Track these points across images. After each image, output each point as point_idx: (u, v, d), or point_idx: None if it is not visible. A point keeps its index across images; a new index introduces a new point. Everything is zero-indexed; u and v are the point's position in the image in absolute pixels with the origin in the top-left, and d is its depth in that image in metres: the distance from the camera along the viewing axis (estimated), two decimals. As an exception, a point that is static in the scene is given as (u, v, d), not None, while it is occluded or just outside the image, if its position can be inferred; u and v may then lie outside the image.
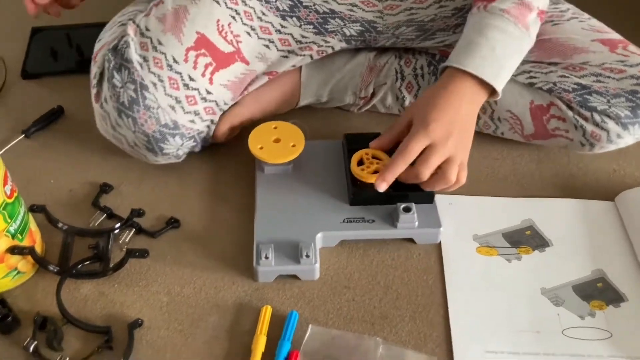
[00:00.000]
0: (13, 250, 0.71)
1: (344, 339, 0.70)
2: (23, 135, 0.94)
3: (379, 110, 0.98)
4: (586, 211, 0.85)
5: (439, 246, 0.80)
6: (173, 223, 0.82)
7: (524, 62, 0.85)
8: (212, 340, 0.71)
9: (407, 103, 0.95)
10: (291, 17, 0.85)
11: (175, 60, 0.79)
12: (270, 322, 0.72)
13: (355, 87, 0.95)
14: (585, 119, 0.82)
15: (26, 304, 0.73)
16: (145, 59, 0.78)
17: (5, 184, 0.68)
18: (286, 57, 0.87)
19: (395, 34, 0.89)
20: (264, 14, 0.84)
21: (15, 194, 0.70)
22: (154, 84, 0.78)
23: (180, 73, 0.79)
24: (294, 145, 0.82)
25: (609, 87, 0.81)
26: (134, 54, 0.78)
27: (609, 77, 0.82)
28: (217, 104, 0.83)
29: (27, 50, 1.08)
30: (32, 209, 0.81)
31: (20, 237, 0.72)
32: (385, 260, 0.79)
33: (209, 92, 0.82)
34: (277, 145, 0.82)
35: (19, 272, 0.74)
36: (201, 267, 0.78)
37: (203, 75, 0.80)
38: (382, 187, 0.76)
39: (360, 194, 0.80)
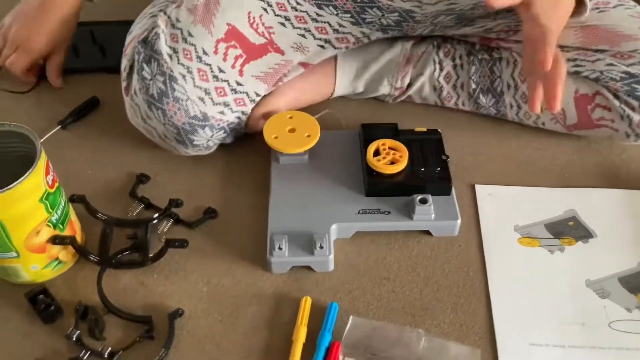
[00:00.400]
0: (55, 240, 0.72)
1: (385, 330, 0.69)
2: (59, 126, 0.94)
3: (414, 101, 0.97)
4: (630, 201, 0.83)
5: (479, 237, 0.79)
6: (210, 213, 0.82)
7: (570, 49, 0.83)
8: (251, 331, 0.71)
9: (444, 94, 0.93)
10: (327, 5, 0.83)
11: (205, 52, 0.78)
12: (310, 313, 0.71)
13: (391, 78, 0.93)
14: (633, 108, 0.80)
15: (67, 294, 0.74)
16: (175, 51, 0.78)
17: (47, 174, 0.69)
18: (323, 47, 0.86)
19: (434, 22, 0.88)
20: (298, 3, 0.83)
21: (56, 184, 0.71)
22: (183, 76, 0.78)
23: (209, 65, 0.79)
24: (309, 135, 0.81)
25: None
26: (163, 45, 0.78)
27: None
28: (248, 95, 0.83)
29: None
30: (72, 199, 0.81)
31: (61, 227, 0.73)
32: (424, 251, 0.78)
33: (239, 84, 0.81)
34: (292, 135, 0.82)
35: (60, 262, 0.74)
36: (239, 257, 0.78)
37: (233, 67, 0.80)
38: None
39: (376, 185, 0.79)
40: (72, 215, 0.75)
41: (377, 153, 0.81)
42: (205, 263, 0.77)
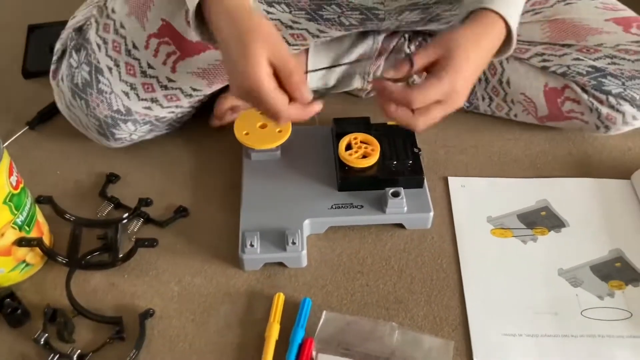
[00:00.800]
0: (21, 242, 0.70)
1: (359, 324, 0.69)
2: (27, 127, 0.92)
3: (388, 95, 0.96)
4: (602, 190, 0.83)
5: (452, 229, 0.79)
6: (182, 212, 0.81)
7: (537, 44, 0.83)
8: (224, 329, 0.70)
9: (416, 87, 0.92)
10: (279, 3, 0.81)
11: (135, 46, 0.77)
12: (283, 309, 0.71)
13: (363, 71, 0.93)
14: (600, 101, 0.80)
15: (35, 297, 0.72)
16: (104, 41, 0.76)
17: (10, 175, 0.67)
18: None
19: (399, 19, 0.87)
20: None
21: (21, 185, 0.69)
22: (110, 68, 0.77)
23: (138, 59, 0.77)
24: (280, 131, 0.80)
25: (624, 70, 0.80)
26: (93, 34, 0.76)
27: (623, 58, 0.80)
28: (182, 91, 0.81)
29: (25, 48, 1.07)
30: (39, 200, 0.80)
31: (27, 228, 0.71)
32: (398, 244, 0.78)
33: (170, 80, 0.79)
34: (263, 131, 0.81)
35: (27, 265, 0.73)
36: (211, 255, 0.77)
37: (164, 63, 0.77)
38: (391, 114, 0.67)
39: (348, 179, 0.78)
40: (39, 217, 0.74)
41: (349, 147, 0.80)
42: (176, 262, 0.76)
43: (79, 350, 0.67)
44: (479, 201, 0.82)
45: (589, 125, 0.84)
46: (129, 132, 0.81)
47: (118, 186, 0.85)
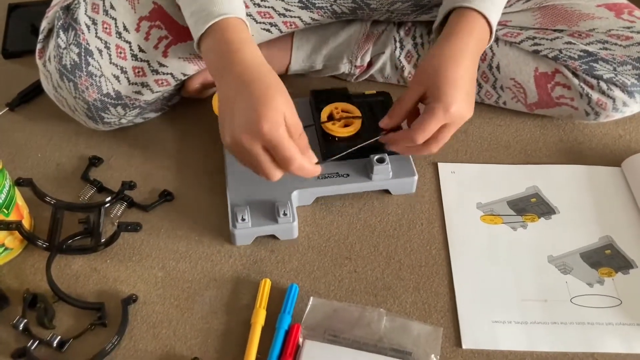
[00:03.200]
0: (-1, 225, 0.68)
1: (347, 311, 0.68)
2: (7, 108, 0.90)
3: (377, 81, 0.95)
4: (592, 177, 0.82)
5: (442, 215, 0.78)
6: (166, 196, 0.79)
7: (528, 28, 0.82)
8: (209, 315, 0.68)
9: (406, 73, 0.91)
10: None
11: (125, 28, 0.74)
12: (270, 295, 0.69)
13: (351, 55, 0.91)
14: (591, 86, 0.79)
15: (15, 282, 0.71)
16: (94, 22, 0.74)
17: (-12, 155, 0.65)
18: (269, 30, 0.83)
19: (390, 9, 0.86)
20: None
21: (-1, 167, 0.67)
22: (100, 51, 0.74)
23: (129, 42, 0.75)
24: None
25: (616, 55, 0.79)
26: (82, 14, 0.74)
27: (615, 44, 0.79)
28: (173, 76, 0.79)
29: (5, 28, 1.04)
30: (19, 182, 0.77)
31: (6, 211, 0.69)
32: (387, 230, 0.77)
33: (162, 65, 0.77)
34: None
35: (6, 249, 0.71)
36: (196, 240, 0.75)
37: (156, 47, 0.76)
38: (385, 124, 0.75)
39: (332, 149, 0.78)
40: (19, 200, 0.72)
41: (330, 118, 0.79)
42: (160, 247, 0.74)
43: (60, 337, 0.65)
44: (468, 187, 0.81)
45: (579, 111, 0.83)
46: (118, 116, 0.80)
47: (101, 169, 0.83)
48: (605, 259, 0.74)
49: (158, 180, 0.81)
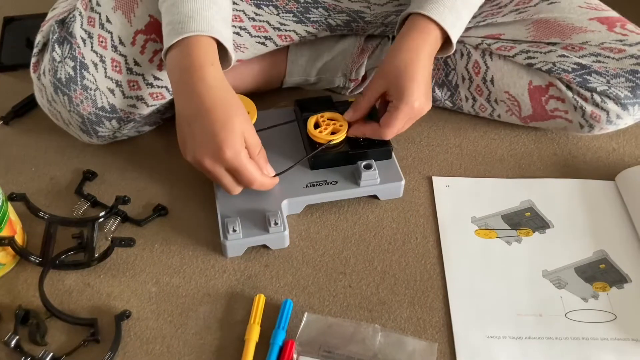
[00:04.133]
0: (-9, 241, 0.68)
1: (341, 326, 0.68)
2: (1, 122, 0.90)
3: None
4: (586, 191, 0.83)
5: (436, 229, 0.78)
6: (160, 210, 0.79)
7: (522, 42, 0.82)
8: (203, 331, 0.68)
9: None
10: (267, 5, 0.80)
11: (121, 42, 0.75)
12: (264, 311, 0.69)
13: (345, 69, 0.92)
14: (585, 99, 0.80)
15: (6, 297, 0.70)
16: (90, 36, 0.74)
17: (-19, 171, 0.65)
18: (264, 44, 0.83)
19: (385, 23, 0.86)
20: (234, 2, 0.79)
21: (-8, 182, 0.67)
22: (95, 64, 0.74)
23: (125, 56, 0.75)
24: (248, 112, 0.78)
25: (609, 67, 0.79)
26: (78, 28, 0.74)
27: (608, 56, 0.80)
28: (167, 90, 0.79)
29: (0, 40, 1.04)
30: (12, 197, 0.77)
31: (-1, 227, 0.69)
32: (381, 244, 0.76)
33: (156, 78, 0.77)
34: None
35: (-1, 264, 0.71)
36: (190, 255, 0.75)
37: (151, 61, 0.76)
38: (349, 116, 0.79)
39: (320, 157, 0.78)
40: (12, 215, 0.72)
41: (317, 126, 0.80)
42: (154, 262, 0.74)
43: (52, 353, 0.64)
44: (463, 201, 0.81)
45: (573, 124, 0.83)
46: (112, 130, 0.79)
47: (95, 184, 0.83)
48: (599, 273, 0.74)
49: (152, 195, 0.81)
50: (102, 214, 0.77)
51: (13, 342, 0.64)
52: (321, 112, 0.81)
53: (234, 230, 0.72)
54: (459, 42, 0.87)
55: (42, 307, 0.68)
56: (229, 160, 0.67)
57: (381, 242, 0.77)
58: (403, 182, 0.79)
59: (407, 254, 0.76)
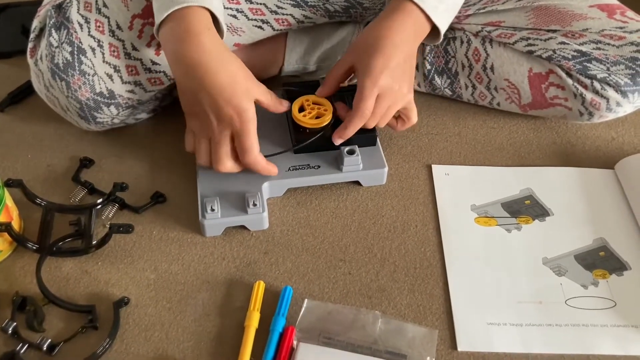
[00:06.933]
0: (-12, 227, 0.67)
1: (341, 313, 0.67)
2: (-3, 109, 0.89)
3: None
4: (586, 179, 0.83)
5: (436, 217, 0.78)
6: (158, 198, 0.78)
7: (522, 29, 0.82)
8: (202, 318, 0.68)
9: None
10: None
11: (118, 26, 0.74)
12: (264, 298, 0.69)
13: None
14: (585, 86, 0.80)
15: (3, 284, 0.69)
16: (87, 20, 0.73)
17: (-23, 155, 0.64)
18: (261, 27, 0.82)
19: (383, 9, 0.86)
20: None
21: (-11, 167, 0.66)
22: (93, 49, 0.74)
23: (122, 40, 0.74)
24: None
25: (609, 54, 0.79)
26: (75, 13, 0.73)
27: (608, 44, 0.79)
28: (166, 75, 0.78)
29: None
30: (8, 183, 0.76)
31: (-5, 213, 0.68)
32: (381, 232, 0.76)
33: (154, 63, 0.76)
34: None
35: (-5, 251, 0.70)
36: (189, 242, 0.74)
37: (149, 45, 0.75)
38: (339, 142, 0.76)
39: (303, 141, 0.78)
40: (8, 201, 0.71)
41: (302, 110, 0.79)
42: (152, 249, 0.73)
43: (50, 340, 0.64)
44: (462, 189, 0.81)
45: (573, 112, 0.83)
46: (110, 116, 0.79)
47: (92, 171, 0.82)
48: (599, 260, 0.74)
49: (150, 182, 0.80)
50: (100, 200, 0.76)
51: (10, 329, 0.64)
52: (307, 95, 0.80)
53: (212, 210, 0.72)
54: (458, 29, 0.87)
55: (39, 294, 0.68)
56: (235, 115, 0.67)
57: (381, 229, 0.76)
58: (386, 169, 0.79)
59: (407, 242, 0.75)
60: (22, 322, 0.66)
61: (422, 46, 0.89)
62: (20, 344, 0.63)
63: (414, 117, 0.78)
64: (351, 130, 0.75)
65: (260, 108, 0.82)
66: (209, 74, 0.66)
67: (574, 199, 0.80)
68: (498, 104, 0.89)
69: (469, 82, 0.88)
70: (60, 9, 0.74)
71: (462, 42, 0.87)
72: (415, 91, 0.92)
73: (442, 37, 0.76)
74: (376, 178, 0.80)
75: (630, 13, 0.82)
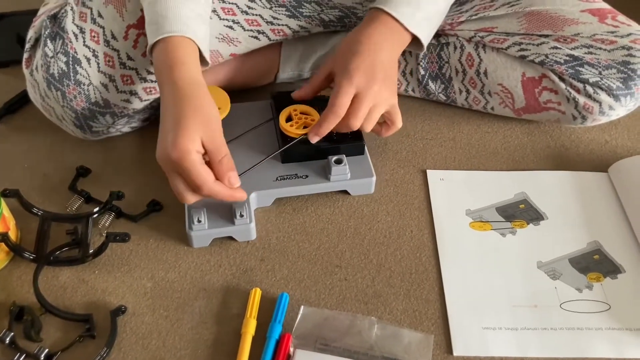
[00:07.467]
0: (-15, 237, 0.68)
1: (337, 319, 0.68)
2: (-7, 119, 0.89)
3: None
4: (580, 183, 0.83)
5: (431, 222, 0.78)
6: (155, 206, 0.78)
7: (514, 34, 0.83)
8: (199, 326, 0.68)
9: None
10: None
11: (113, 36, 0.74)
12: (260, 305, 0.69)
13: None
14: (578, 90, 0.80)
15: (0, 294, 0.70)
16: (82, 30, 0.74)
17: (-27, 166, 0.64)
18: (256, 38, 0.83)
19: None
20: None
21: (-15, 178, 0.66)
22: (88, 59, 0.74)
23: (117, 50, 0.75)
24: (219, 108, 0.77)
25: (601, 59, 0.80)
26: (70, 23, 0.74)
27: (600, 48, 0.80)
28: None
29: None
30: (5, 193, 0.77)
31: (-8, 223, 0.68)
32: (377, 237, 0.76)
33: (149, 72, 0.77)
34: None
35: (-8, 261, 0.70)
36: (185, 250, 0.75)
37: (144, 55, 0.75)
38: (315, 140, 0.76)
39: (291, 151, 0.78)
40: (5, 211, 0.71)
41: (289, 119, 0.80)
42: (149, 257, 0.74)
43: (47, 350, 0.64)
44: (457, 194, 0.81)
45: (566, 116, 0.84)
46: (106, 125, 0.79)
47: (89, 180, 0.82)
48: (593, 264, 0.74)
49: (146, 190, 0.81)
50: (96, 209, 0.77)
51: (8, 339, 0.64)
52: (295, 105, 0.80)
53: (199, 221, 0.72)
54: (452, 35, 0.87)
55: (36, 304, 0.68)
56: (177, 160, 0.64)
57: (376, 235, 0.77)
58: (374, 178, 0.79)
59: (402, 247, 0.76)
60: (20, 332, 0.66)
61: (412, 51, 0.90)
62: (18, 354, 0.63)
63: (398, 122, 0.78)
64: (325, 128, 0.74)
65: (248, 116, 0.83)
66: (167, 108, 0.66)
67: (568, 203, 0.81)
68: (492, 109, 0.90)
69: (463, 87, 0.89)
70: (55, 19, 0.74)
71: (455, 48, 0.87)
72: (410, 96, 0.94)
73: (424, 45, 0.77)
74: (364, 187, 0.80)
75: (621, 17, 0.83)
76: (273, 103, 0.84)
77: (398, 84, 0.92)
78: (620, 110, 0.81)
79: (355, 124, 0.73)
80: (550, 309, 0.70)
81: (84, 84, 0.74)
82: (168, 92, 0.66)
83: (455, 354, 0.66)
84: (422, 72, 0.90)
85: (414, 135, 0.89)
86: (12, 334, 0.65)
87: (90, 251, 0.73)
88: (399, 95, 0.93)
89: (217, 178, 0.66)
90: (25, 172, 0.83)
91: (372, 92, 0.72)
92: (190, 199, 0.67)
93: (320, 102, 0.81)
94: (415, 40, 0.77)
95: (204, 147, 0.65)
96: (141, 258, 0.74)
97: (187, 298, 0.70)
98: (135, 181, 0.82)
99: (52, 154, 0.85)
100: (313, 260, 0.74)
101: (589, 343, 0.67)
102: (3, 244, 0.69)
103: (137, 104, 0.79)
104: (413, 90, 0.93)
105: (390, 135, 0.80)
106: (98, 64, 0.74)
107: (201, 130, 0.64)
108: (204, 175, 0.65)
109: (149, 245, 0.75)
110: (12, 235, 0.72)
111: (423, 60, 0.89)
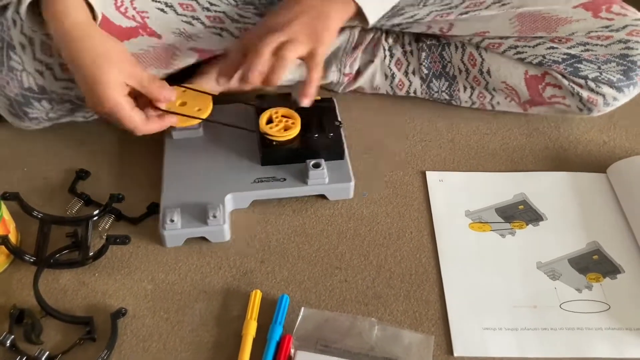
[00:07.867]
0: (-15, 240, 0.68)
1: (338, 320, 0.68)
2: (-8, 122, 0.89)
3: (365, 92, 0.95)
4: (578, 184, 0.83)
5: (431, 223, 0.78)
6: (155, 208, 0.78)
7: (508, 37, 0.83)
8: (200, 328, 0.68)
9: (396, 81, 0.92)
10: None
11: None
12: (261, 306, 0.69)
13: (339, 63, 0.92)
14: (580, 85, 0.81)
15: (1, 297, 0.70)
16: (21, 18, 0.72)
17: (-26, 169, 0.64)
18: (220, 35, 0.82)
19: None
20: None
21: (-15, 181, 0.66)
22: (23, 46, 0.74)
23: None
24: (199, 109, 0.78)
25: (598, 54, 0.80)
26: (11, 12, 0.73)
27: (596, 44, 0.80)
28: None
29: None
30: (5, 196, 0.77)
31: (-8, 226, 0.68)
32: (376, 239, 0.77)
33: None
34: (182, 109, 0.78)
35: (-8, 264, 0.70)
36: (185, 252, 0.75)
37: None
38: (222, 83, 0.75)
39: (270, 153, 0.78)
40: (5, 214, 0.71)
41: (270, 122, 0.80)
42: (149, 259, 0.74)
43: (48, 352, 0.64)
44: (457, 195, 0.82)
45: (572, 108, 0.84)
46: (45, 111, 0.78)
47: (88, 182, 0.82)
48: (593, 264, 0.74)
49: (146, 193, 0.80)
50: (96, 212, 0.77)
51: (8, 342, 0.64)
52: (276, 107, 0.80)
53: (172, 221, 0.72)
54: (451, 35, 0.87)
55: (37, 307, 0.68)
56: (109, 113, 0.68)
57: (376, 236, 0.77)
58: (352, 183, 0.78)
59: (402, 248, 0.76)
60: (20, 335, 0.66)
61: (418, 52, 0.90)
62: (19, 357, 0.63)
63: (315, 72, 0.73)
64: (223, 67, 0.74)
65: (233, 119, 0.81)
66: (78, 67, 0.67)
67: (567, 204, 0.81)
68: (498, 103, 0.90)
69: (468, 84, 0.89)
70: (4, 9, 0.74)
71: (456, 48, 0.88)
72: (412, 97, 0.93)
73: (369, 19, 0.75)
74: (342, 192, 0.79)
75: (616, 7, 0.81)
76: (256, 104, 0.83)
77: (400, 85, 0.92)
78: (624, 99, 0.83)
79: (263, 51, 0.70)
80: (550, 309, 0.70)
81: (16, 70, 0.74)
82: (71, 47, 0.67)
83: (455, 354, 0.66)
84: (426, 71, 0.90)
85: (413, 137, 0.89)
86: (13, 336, 0.65)
87: (91, 254, 0.73)
88: (403, 96, 0.93)
89: (155, 102, 0.71)
90: (25, 175, 0.83)
91: (289, 28, 0.70)
92: (141, 126, 0.71)
93: (303, 108, 0.80)
94: (361, 15, 0.75)
95: (129, 85, 0.68)
96: (141, 260, 0.74)
97: (188, 300, 0.70)
98: (135, 183, 0.82)
99: (52, 157, 0.85)
100: (313, 262, 0.74)
101: (588, 343, 0.67)
102: (3, 246, 0.69)
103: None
104: (415, 91, 0.93)
105: (314, 86, 0.75)
106: (34, 51, 0.74)
107: (118, 73, 0.67)
108: (137, 121, 0.70)
109: (149, 248, 0.75)
110: (13, 238, 0.72)
111: (426, 60, 0.89)
